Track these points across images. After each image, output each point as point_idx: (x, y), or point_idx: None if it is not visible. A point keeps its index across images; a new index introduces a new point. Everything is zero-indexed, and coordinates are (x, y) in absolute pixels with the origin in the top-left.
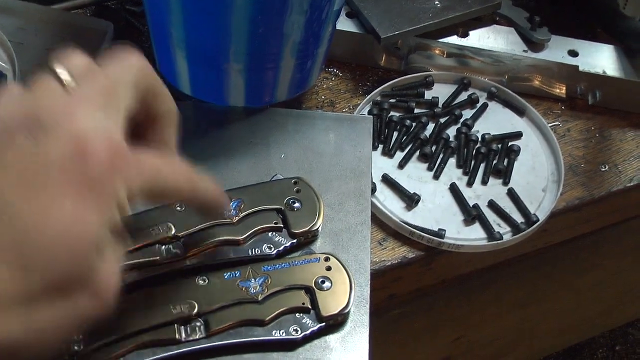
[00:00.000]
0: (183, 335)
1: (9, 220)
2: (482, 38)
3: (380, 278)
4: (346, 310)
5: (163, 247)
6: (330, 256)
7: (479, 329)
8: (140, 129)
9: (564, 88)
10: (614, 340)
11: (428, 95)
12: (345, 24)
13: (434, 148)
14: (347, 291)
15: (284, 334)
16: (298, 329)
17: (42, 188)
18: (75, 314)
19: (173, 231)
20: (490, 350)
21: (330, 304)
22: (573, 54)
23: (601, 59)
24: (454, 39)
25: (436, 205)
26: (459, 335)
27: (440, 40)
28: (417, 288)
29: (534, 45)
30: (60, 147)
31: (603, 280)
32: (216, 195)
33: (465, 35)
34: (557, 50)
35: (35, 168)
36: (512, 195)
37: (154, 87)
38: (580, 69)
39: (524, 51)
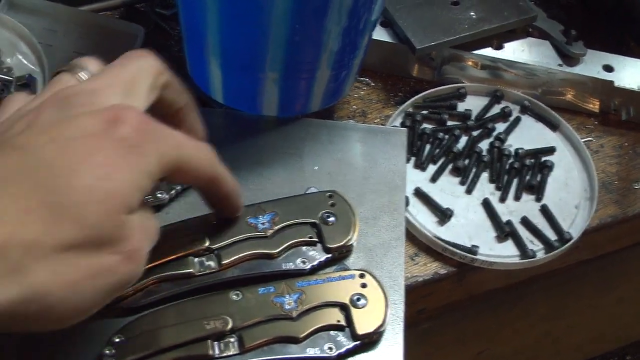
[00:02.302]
0: (216, 351)
1: (43, 174)
2: (517, 51)
3: (411, 293)
4: (382, 329)
5: (196, 259)
6: (365, 273)
7: (502, 343)
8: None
9: (598, 103)
10: (624, 350)
11: (461, 107)
12: (378, 33)
13: (466, 162)
14: (383, 309)
15: (319, 352)
16: (332, 347)
17: (75, 147)
18: (107, 272)
19: (207, 243)
20: None
21: (366, 322)
22: (608, 69)
23: (636, 75)
24: (488, 51)
25: (469, 220)
26: (483, 349)
27: (475, 52)
28: (446, 303)
29: (569, 59)
30: (92, 117)
31: (628, 296)
32: (235, 190)
33: (499, 47)
34: (592, 65)
35: (68, 132)
36: (545, 211)
37: (171, 83)
38: (616, 84)
39: (559, 65)
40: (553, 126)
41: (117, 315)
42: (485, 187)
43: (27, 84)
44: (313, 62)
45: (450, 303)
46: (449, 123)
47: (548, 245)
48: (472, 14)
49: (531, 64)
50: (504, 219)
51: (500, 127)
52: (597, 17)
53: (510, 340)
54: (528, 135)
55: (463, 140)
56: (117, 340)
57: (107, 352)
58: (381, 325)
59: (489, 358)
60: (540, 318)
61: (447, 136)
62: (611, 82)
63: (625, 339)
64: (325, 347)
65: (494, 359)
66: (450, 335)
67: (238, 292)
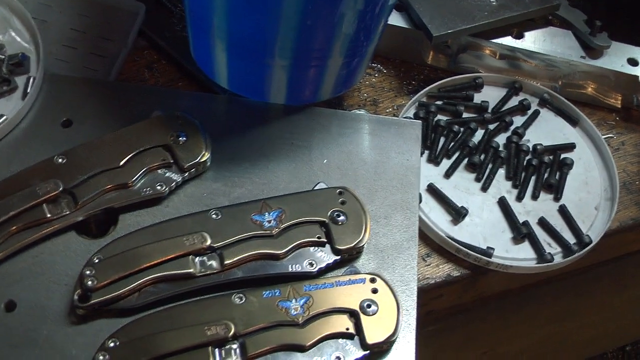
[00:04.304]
0: (217, 359)
1: None
2: (538, 40)
3: (421, 295)
4: (393, 338)
5: (197, 258)
6: (376, 277)
7: (508, 343)
8: None
9: (620, 98)
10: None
11: (477, 98)
12: (392, 18)
13: (482, 157)
14: (395, 317)
15: None
16: (341, 356)
17: None
18: None
19: (208, 242)
20: None
21: (376, 331)
22: (633, 62)
23: None
24: (507, 40)
25: (484, 220)
26: (487, 350)
27: (493, 40)
28: (456, 304)
29: (592, 51)
30: None
31: None
32: None
33: (520, 36)
34: (616, 58)
35: None
36: (563, 212)
37: None
38: None
39: (581, 57)
40: (573, 121)
41: (112, 317)
42: (501, 185)
43: (19, 62)
44: (325, 49)
45: (460, 304)
46: (465, 115)
47: (566, 248)
48: (492, 0)
49: (552, 55)
50: (521, 219)
51: (518, 120)
52: (623, 7)
53: (515, 340)
54: (547, 130)
55: (479, 134)
56: (112, 344)
57: (101, 357)
58: (392, 335)
59: (494, 358)
60: (549, 319)
61: (462, 129)
62: (636, 76)
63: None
64: (333, 356)
65: (499, 359)
66: (457, 337)
67: (241, 295)
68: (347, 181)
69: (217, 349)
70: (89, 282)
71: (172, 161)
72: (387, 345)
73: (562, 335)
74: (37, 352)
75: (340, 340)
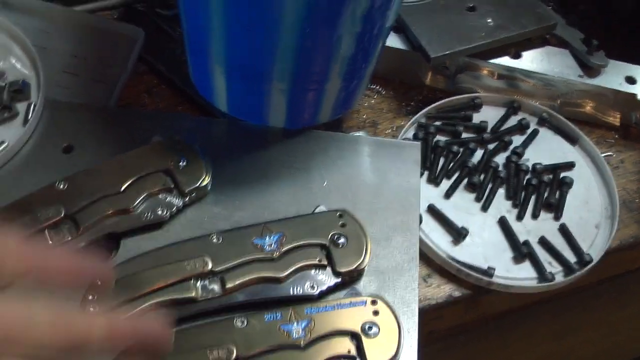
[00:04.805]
0: None
1: None
2: (535, 60)
3: (422, 316)
4: None
5: (199, 282)
6: (377, 299)
7: None
8: None
9: (619, 116)
10: None
11: (476, 118)
12: (390, 40)
13: (482, 177)
14: (396, 339)
15: None
16: None
17: None
18: None
19: (210, 266)
20: None
21: (378, 353)
22: (631, 80)
23: None
24: (505, 60)
25: (484, 240)
26: None
27: (491, 60)
28: (457, 325)
29: (589, 69)
30: None
31: None
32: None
33: (517, 56)
34: (613, 77)
35: None
36: (564, 231)
37: None
38: (639, 97)
39: (579, 76)
40: (572, 140)
41: None
42: (501, 205)
43: (20, 89)
44: (323, 71)
45: (461, 324)
46: (464, 135)
47: (567, 267)
48: (489, 20)
49: (550, 74)
50: (521, 238)
51: (517, 140)
52: (619, 25)
53: (517, 358)
54: (546, 149)
55: (478, 154)
56: None
57: None
58: (394, 356)
59: None
60: (550, 336)
61: (461, 149)
62: (634, 94)
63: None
64: None
65: None
66: (458, 356)
67: (243, 318)
68: (347, 204)
69: None
70: (91, 308)
71: (172, 186)
72: None
73: (564, 353)
74: None
75: None
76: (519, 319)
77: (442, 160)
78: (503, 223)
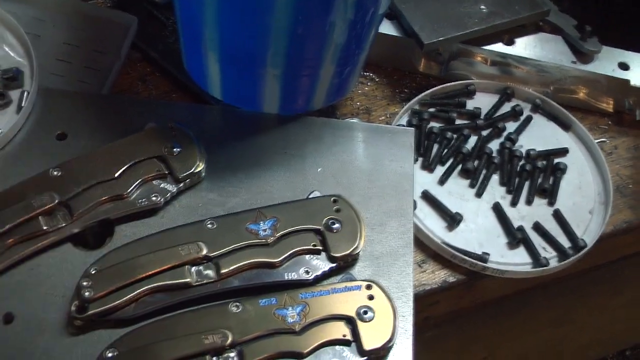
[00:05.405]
0: None
1: None
2: (529, 46)
3: (418, 302)
4: (390, 344)
5: (193, 268)
6: (372, 284)
7: (506, 348)
8: None
9: (612, 102)
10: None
11: (469, 105)
12: (383, 26)
13: (476, 163)
14: (391, 323)
15: None
16: None
17: None
18: None
19: (204, 251)
20: None
21: (373, 337)
22: (624, 66)
23: None
24: (498, 47)
25: (479, 225)
26: (486, 355)
27: (484, 47)
28: (453, 310)
29: (582, 56)
30: None
31: (638, 297)
32: None
33: (510, 42)
34: (607, 63)
35: None
36: (558, 217)
37: None
38: (632, 83)
39: (573, 62)
40: (565, 126)
41: (110, 327)
42: (495, 190)
43: (13, 77)
44: (317, 57)
45: (457, 310)
46: (458, 122)
47: (561, 252)
48: (482, 7)
49: (543, 60)
50: (516, 224)
51: (511, 126)
52: (613, 11)
53: (513, 346)
54: (540, 135)
55: (472, 140)
56: (110, 355)
57: None
58: (390, 340)
59: None
60: (546, 323)
61: (455, 136)
62: (627, 80)
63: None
64: None
65: None
66: (454, 342)
67: (238, 303)
68: (342, 189)
69: (214, 358)
70: (86, 293)
71: (167, 172)
72: (384, 351)
73: (560, 340)
74: None
75: (337, 347)
76: (514, 305)
77: (436, 147)
78: (497, 209)
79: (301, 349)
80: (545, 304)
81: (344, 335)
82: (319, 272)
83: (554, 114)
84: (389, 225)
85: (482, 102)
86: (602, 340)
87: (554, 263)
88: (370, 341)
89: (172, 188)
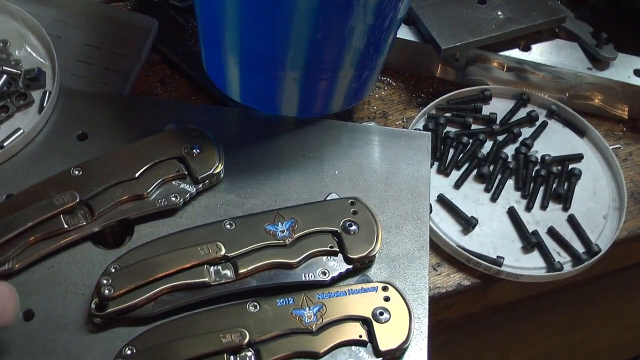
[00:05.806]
0: None
1: None
2: (544, 53)
3: (432, 305)
4: (405, 346)
5: (211, 268)
6: (388, 285)
7: (519, 352)
8: None
9: (627, 109)
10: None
11: (485, 110)
12: (401, 32)
13: (491, 168)
14: (407, 325)
15: None
16: None
17: None
18: None
19: (223, 251)
20: None
21: (389, 338)
22: (639, 73)
23: None
24: (515, 52)
25: (493, 230)
26: (499, 359)
27: (501, 53)
28: (467, 314)
29: (598, 62)
30: None
31: None
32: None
33: (527, 49)
34: (622, 69)
35: None
36: (572, 222)
37: None
38: None
39: (588, 69)
40: (580, 132)
41: (128, 325)
42: (510, 195)
43: (35, 77)
44: (336, 61)
45: (471, 314)
46: (474, 127)
47: (575, 257)
48: (499, 13)
49: (559, 66)
50: (530, 228)
51: (526, 131)
52: (628, 18)
53: (526, 351)
54: (555, 141)
55: (488, 145)
56: (128, 352)
57: None
58: (405, 342)
59: None
60: (559, 329)
61: (471, 140)
62: None
63: None
64: None
65: None
66: (468, 346)
67: (255, 303)
68: (358, 192)
69: (232, 356)
70: (106, 291)
71: (186, 173)
72: (399, 352)
73: (573, 345)
74: None
75: (353, 348)
76: (528, 310)
77: (452, 151)
78: (512, 213)
79: (317, 349)
80: (558, 310)
81: (360, 336)
82: (335, 274)
83: (569, 120)
84: (404, 228)
85: (498, 107)
86: (614, 347)
87: (568, 268)
88: (386, 342)
89: (191, 189)
